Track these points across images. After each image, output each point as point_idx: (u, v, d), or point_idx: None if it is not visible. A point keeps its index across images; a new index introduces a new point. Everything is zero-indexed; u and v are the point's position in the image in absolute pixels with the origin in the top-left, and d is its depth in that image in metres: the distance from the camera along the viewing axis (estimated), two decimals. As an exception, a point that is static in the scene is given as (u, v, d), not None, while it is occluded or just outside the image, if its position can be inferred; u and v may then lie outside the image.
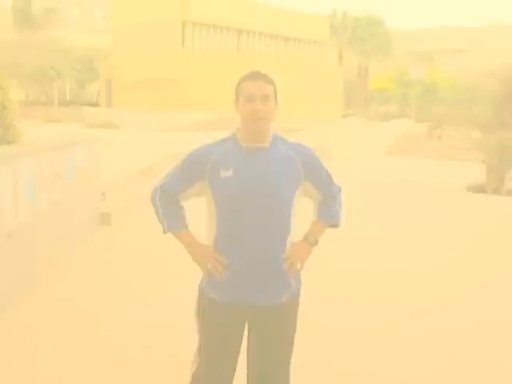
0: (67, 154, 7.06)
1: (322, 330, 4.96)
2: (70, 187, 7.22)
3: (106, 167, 9.86)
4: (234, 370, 2.91)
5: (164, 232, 2.86)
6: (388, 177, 16.54)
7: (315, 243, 2.88)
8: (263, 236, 2.71)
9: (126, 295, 5.75)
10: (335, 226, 2.95)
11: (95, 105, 42.89)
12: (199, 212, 3.15)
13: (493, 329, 5.20)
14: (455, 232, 9.46)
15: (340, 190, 2.97)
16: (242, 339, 2.88)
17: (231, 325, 2.80)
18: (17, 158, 5.34)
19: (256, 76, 2.74)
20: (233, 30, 40.29)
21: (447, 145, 18.84)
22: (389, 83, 45.40)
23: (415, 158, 22.09)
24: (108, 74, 40.45)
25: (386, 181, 15.63)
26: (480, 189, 14.53)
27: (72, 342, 4.59)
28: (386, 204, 12.08)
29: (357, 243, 8.40)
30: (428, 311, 5.62)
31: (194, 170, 2.76)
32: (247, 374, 2.95)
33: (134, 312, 5.27)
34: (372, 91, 49.00)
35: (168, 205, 2.83)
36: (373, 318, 5.36)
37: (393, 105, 46.92)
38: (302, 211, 2.93)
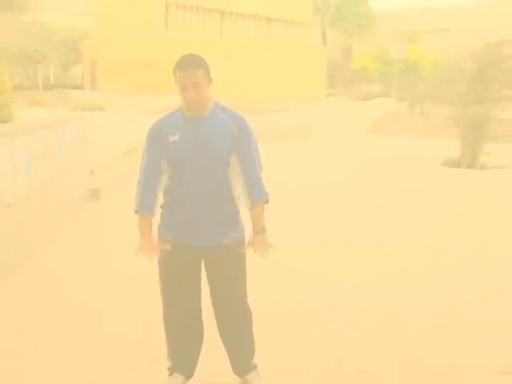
0: (58, 132, 7.50)
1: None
2: (62, 164, 7.67)
3: (93, 147, 10.30)
4: (197, 308, 3.46)
5: (135, 210, 3.35)
6: (367, 154, 17.08)
7: (265, 229, 3.38)
8: (205, 188, 3.23)
9: (113, 266, 6.17)
10: (266, 202, 3.42)
11: (79, 87, 42.81)
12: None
13: (468, 297, 5.54)
14: (429, 204, 10.00)
15: (261, 167, 3.40)
16: (197, 277, 3.42)
17: (185, 262, 3.36)
18: (14, 136, 5.79)
19: (185, 65, 3.17)
20: (216, 12, 40.36)
21: (426, 122, 19.30)
22: (371, 62, 45.79)
23: (394, 135, 22.66)
24: (92, 57, 40.41)
25: (365, 157, 16.17)
26: (455, 163, 15.11)
27: (60, 311, 4.89)
28: (365, 179, 12.61)
29: (331, 217, 8.92)
30: (406, 282, 6.14)
31: (157, 142, 3.28)
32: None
33: (119, 282, 5.64)
34: (355, 70, 49.31)
35: (144, 187, 3.33)
36: (363, 291, 5.81)
37: (376, 84, 47.33)
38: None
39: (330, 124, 25.69)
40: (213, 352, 3.69)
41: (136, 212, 3.36)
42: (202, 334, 3.56)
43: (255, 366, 3.59)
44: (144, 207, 3.33)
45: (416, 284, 5.76)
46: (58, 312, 4.88)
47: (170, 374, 3.57)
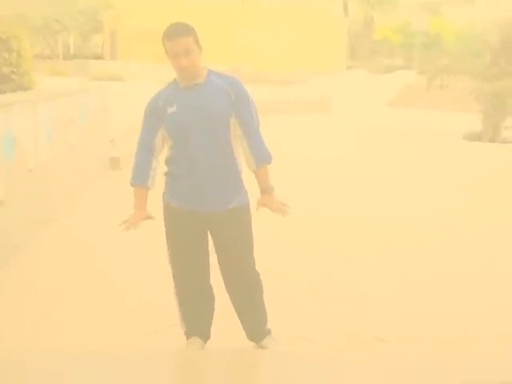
0: (79, 100, 7.54)
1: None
2: (82, 132, 7.73)
3: (113, 116, 10.35)
4: (206, 274, 3.49)
5: (130, 183, 3.39)
6: (388, 127, 16.95)
7: (272, 189, 3.38)
8: (208, 155, 3.24)
9: (134, 233, 6.23)
10: (269, 163, 3.39)
11: (100, 57, 42.76)
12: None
13: (482, 270, 5.57)
14: (449, 177, 9.95)
15: (258, 131, 3.38)
16: (204, 244, 3.44)
17: (190, 229, 3.36)
18: (35, 103, 5.83)
19: (175, 34, 3.15)
20: (237, -19, 39.92)
21: (447, 95, 19.11)
22: (393, 34, 45.11)
23: (415, 108, 22.42)
24: (112, 26, 40.32)
25: (385, 130, 16.05)
26: (476, 137, 14.96)
27: (82, 277, 4.99)
28: (385, 151, 12.55)
29: (349, 190, 8.91)
30: (426, 253, 6.14)
31: (153, 116, 3.28)
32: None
33: (140, 249, 5.62)
34: (376, 42, 48.61)
35: (138, 159, 3.35)
36: (376, 263, 5.83)
37: (397, 57, 46.69)
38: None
39: (351, 96, 25.46)
40: (228, 318, 3.74)
41: (131, 185, 3.41)
42: (213, 298, 3.60)
43: (269, 331, 3.63)
44: (136, 180, 3.37)
45: (431, 256, 5.76)
46: (79, 277, 4.97)
47: (188, 338, 3.62)
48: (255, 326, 3.62)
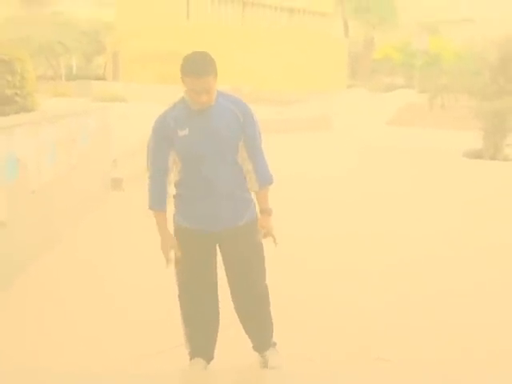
0: (81, 121, 7.60)
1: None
2: (84, 153, 7.78)
3: (116, 137, 10.40)
4: (214, 292, 3.52)
5: (149, 207, 3.43)
6: (388, 145, 17.01)
7: (271, 211, 3.48)
8: (220, 178, 3.30)
9: (136, 253, 6.26)
10: (271, 184, 3.49)
11: (102, 78, 43.04)
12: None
13: (487, 287, 5.57)
14: (450, 194, 9.96)
15: (262, 152, 3.47)
16: (213, 261, 3.48)
17: (201, 247, 3.41)
18: (38, 124, 5.89)
19: (197, 73, 3.11)
20: (237, 2, 40.31)
21: (448, 114, 19.18)
22: (393, 53, 45.43)
23: (416, 127, 22.50)
24: (114, 48, 40.66)
25: (386, 149, 16.10)
26: (477, 155, 15.00)
27: (85, 297, 5.00)
28: (386, 169, 12.58)
29: (350, 207, 8.93)
30: (426, 272, 6.14)
31: (163, 137, 3.28)
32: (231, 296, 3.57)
33: (142, 269, 5.70)
34: (376, 61, 48.93)
35: (155, 183, 3.39)
36: (379, 280, 5.84)
37: (398, 76, 46.95)
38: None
39: (351, 115, 25.59)
40: (231, 338, 3.75)
41: (150, 208, 3.44)
42: (218, 317, 3.62)
43: (274, 344, 3.70)
44: (155, 204, 3.40)
45: (433, 273, 5.76)
46: (82, 298, 4.97)
47: (191, 359, 3.63)
48: (262, 338, 3.69)
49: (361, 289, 5.28)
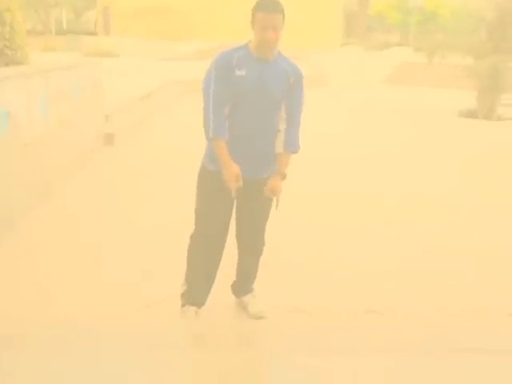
0: (72, 75, 7.49)
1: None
2: (76, 107, 7.69)
3: (107, 92, 10.29)
4: (225, 234, 3.66)
5: (209, 138, 3.45)
6: (383, 103, 16.92)
7: (284, 176, 3.56)
8: (257, 127, 3.46)
9: (126, 207, 6.29)
10: (295, 153, 3.62)
11: (93, 34, 42.36)
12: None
13: (478, 247, 5.65)
14: (444, 153, 9.97)
15: (300, 121, 3.60)
16: (231, 206, 3.62)
17: (223, 190, 3.48)
18: (29, 77, 5.79)
19: (270, 8, 3.32)
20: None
21: (443, 73, 19.04)
22: (389, 10, 44.75)
23: (411, 85, 22.37)
24: (105, 2, 39.87)
25: (381, 107, 16.03)
26: (471, 114, 14.97)
27: (75, 250, 5.00)
28: (381, 128, 12.55)
29: (344, 166, 8.93)
30: (423, 231, 6.18)
31: (224, 74, 3.40)
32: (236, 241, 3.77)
33: (131, 223, 5.75)
34: (372, 18, 48.26)
35: (217, 114, 3.42)
36: (372, 239, 5.90)
37: (393, 34, 46.38)
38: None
39: (346, 74, 25.37)
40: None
41: (211, 139, 3.46)
42: (220, 263, 3.74)
43: (252, 289, 3.95)
44: (220, 133, 3.43)
45: (426, 232, 5.80)
46: (72, 251, 4.98)
47: (183, 305, 3.71)
48: (244, 285, 3.94)
49: (354, 248, 5.31)
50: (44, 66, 6.95)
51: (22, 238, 5.18)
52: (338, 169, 8.46)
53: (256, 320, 3.77)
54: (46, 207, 6.00)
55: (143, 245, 5.13)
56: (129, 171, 7.77)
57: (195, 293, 3.70)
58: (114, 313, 3.90)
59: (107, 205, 6.34)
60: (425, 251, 5.21)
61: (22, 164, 5.60)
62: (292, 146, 3.55)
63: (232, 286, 3.97)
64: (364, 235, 5.61)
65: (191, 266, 3.71)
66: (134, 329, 3.69)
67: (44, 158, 6.28)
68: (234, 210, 3.68)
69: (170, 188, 6.83)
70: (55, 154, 6.70)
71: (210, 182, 3.54)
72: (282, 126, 3.52)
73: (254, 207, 3.65)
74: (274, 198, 3.57)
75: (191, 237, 3.70)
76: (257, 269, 3.91)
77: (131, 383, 2.53)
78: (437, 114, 15.00)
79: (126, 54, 28.50)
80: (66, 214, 5.92)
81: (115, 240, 5.26)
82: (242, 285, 3.94)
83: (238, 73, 3.39)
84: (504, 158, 9.66)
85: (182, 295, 3.73)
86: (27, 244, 5.08)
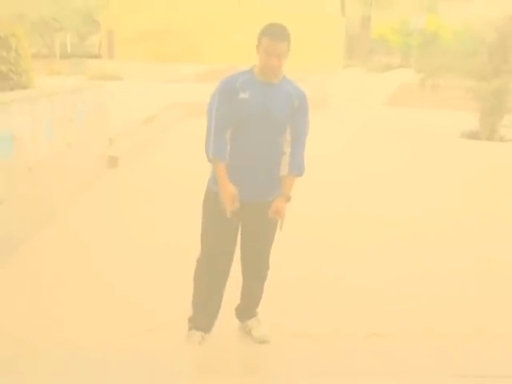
0: (77, 99, 7.55)
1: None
2: (80, 131, 7.74)
3: (111, 115, 10.35)
4: (231, 257, 3.66)
5: (209, 159, 3.50)
6: (385, 125, 16.95)
7: (289, 198, 3.56)
8: (262, 150, 3.48)
9: (130, 230, 6.30)
10: (300, 176, 3.63)
11: (97, 57, 42.69)
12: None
13: (478, 268, 5.55)
14: (447, 174, 9.98)
15: (305, 144, 3.62)
16: (236, 229, 3.62)
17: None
18: (34, 101, 5.84)
19: (276, 35, 3.37)
20: (233, -20, 39.87)
21: (444, 94, 19.07)
22: (390, 33, 45.09)
23: (412, 107, 22.42)
24: (109, 25, 40.26)
25: (383, 129, 16.05)
26: (473, 135, 14.98)
27: (79, 274, 5.01)
28: (384, 149, 12.55)
29: (346, 187, 8.94)
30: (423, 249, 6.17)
31: (228, 97, 3.44)
32: (241, 265, 3.75)
33: (136, 247, 5.76)
34: (373, 41, 48.61)
35: (218, 136, 3.46)
36: (376, 259, 5.88)
37: (395, 56, 46.69)
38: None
39: (348, 96, 25.47)
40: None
41: (211, 160, 3.51)
42: (225, 288, 3.74)
43: (257, 313, 3.92)
44: (219, 154, 3.46)
45: (430, 251, 5.79)
46: (77, 274, 4.98)
47: (190, 329, 3.70)
48: (249, 309, 3.91)
49: (357, 268, 5.30)
50: (48, 89, 7.01)
51: (25, 260, 5.19)
52: (340, 191, 8.47)
53: (260, 344, 3.75)
54: (51, 230, 6.02)
55: (147, 268, 5.12)
56: (133, 194, 7.79)
57: (201, 318, 3.69)
58: (116, 336, 3.89)
59: (111, 227, 6.35)
60: (426, 272, 5.20)
61: (26, 187, 5.63)
62: (297, 169, 3.56)
63: (236, 309, 3.95)
64: (366, 256, 5.59)
65: (197, 289, 3.72)
66: (136, 353, 3.68)
67: (48, 181, 6.31)
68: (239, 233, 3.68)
69: (174, 210, 6.84)
70: (59, 177, 6.73)
71: (214, 203, 3.53)
72: (287, 149, 3.53)
73: (258, 231, 3.65)
74: (279, 221, 3.57)
75: (198, 260, 3.70)
76: (261, 294, 3.88)
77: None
78: (439, 135, 15.03)
79: (129, 77, 28.70)
80: (69, 238, 5.93)
81: (119, 263, 5.26)
82: (247, 309, 3.92)
83: (242, 95, 3.41)
84: (506, 179, 9.66)
85: (190, 319, 3.73)
86: (31, 266, 5.08)
